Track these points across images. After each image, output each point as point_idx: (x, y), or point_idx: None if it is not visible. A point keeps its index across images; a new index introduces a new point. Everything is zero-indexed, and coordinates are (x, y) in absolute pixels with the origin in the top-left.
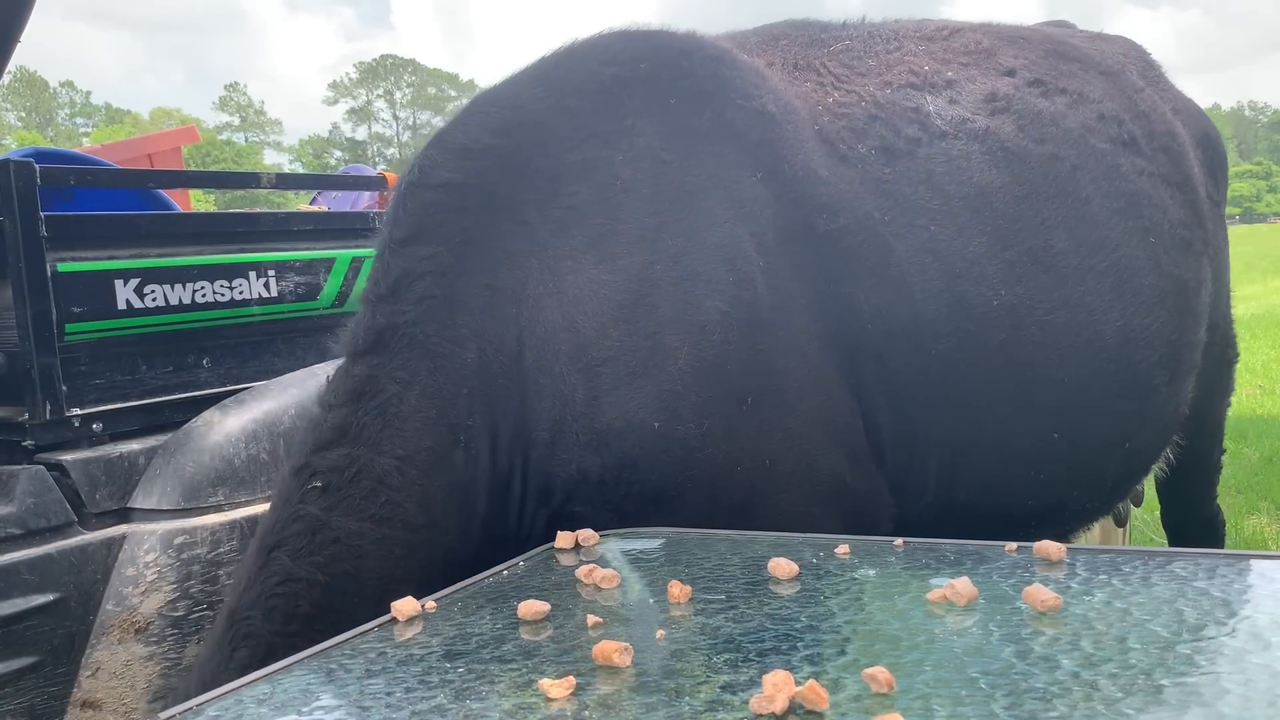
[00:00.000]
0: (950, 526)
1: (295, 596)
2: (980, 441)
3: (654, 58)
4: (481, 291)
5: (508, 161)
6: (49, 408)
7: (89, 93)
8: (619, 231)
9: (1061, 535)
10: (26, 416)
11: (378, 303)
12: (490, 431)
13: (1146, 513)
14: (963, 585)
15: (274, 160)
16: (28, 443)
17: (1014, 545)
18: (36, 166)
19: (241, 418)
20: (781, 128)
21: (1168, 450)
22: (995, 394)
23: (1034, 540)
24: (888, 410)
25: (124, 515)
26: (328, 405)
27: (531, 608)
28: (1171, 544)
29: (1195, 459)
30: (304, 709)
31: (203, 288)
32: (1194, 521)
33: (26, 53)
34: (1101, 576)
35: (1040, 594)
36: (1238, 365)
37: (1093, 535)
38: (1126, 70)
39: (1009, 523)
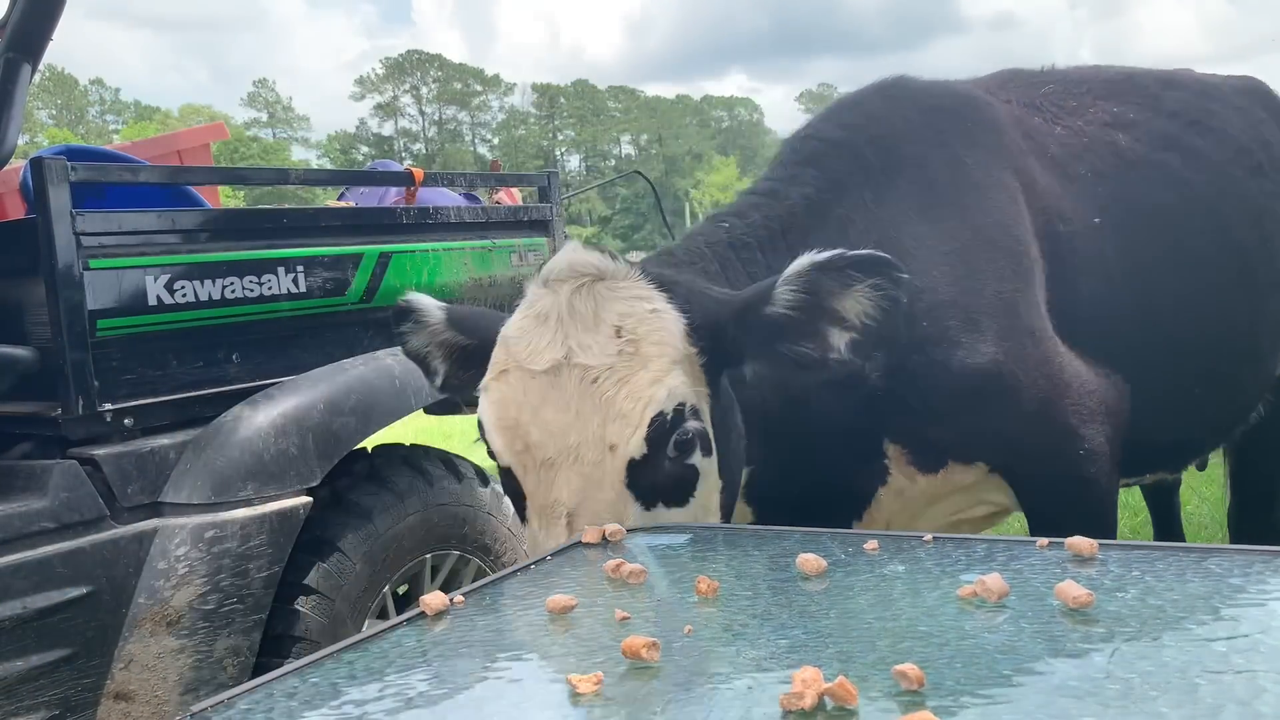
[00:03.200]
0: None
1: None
2: (1143, 398)
3: (956, 96)
4: (837, 219)
5: (872, 135)
6: (81, 403)
7: (118, 90)
8: (937, 204)
9: (1184, 464)
10: (59, 411)
11: (773, 181)
12: None
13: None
14: (993, 581)
15: (301, 156)
16: (61, 437)
17: (1045, 541)
18: (68, 164)
19: (271, 413)
20: (1030, 157)
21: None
22: (1157, 363)
23: (1179, 466)
24: None
25: (155, 509)
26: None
27: (559, 602)
28: (1232, 536)
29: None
30: (333, 703)
31: (232, 283)
32: (1257, 497)
33: (53, 51)
34: (1134, 573)
35: (1072, 590)
36: None
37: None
38: (1252, 106)
39: (1157, 453)
